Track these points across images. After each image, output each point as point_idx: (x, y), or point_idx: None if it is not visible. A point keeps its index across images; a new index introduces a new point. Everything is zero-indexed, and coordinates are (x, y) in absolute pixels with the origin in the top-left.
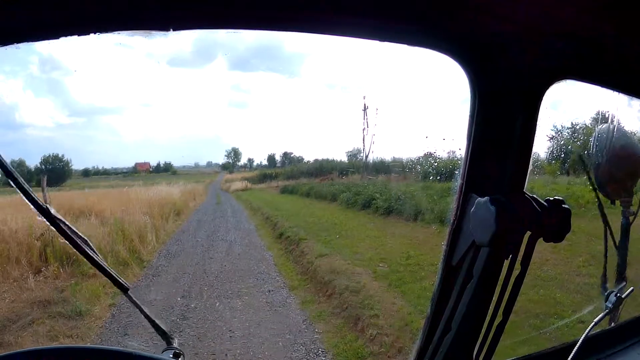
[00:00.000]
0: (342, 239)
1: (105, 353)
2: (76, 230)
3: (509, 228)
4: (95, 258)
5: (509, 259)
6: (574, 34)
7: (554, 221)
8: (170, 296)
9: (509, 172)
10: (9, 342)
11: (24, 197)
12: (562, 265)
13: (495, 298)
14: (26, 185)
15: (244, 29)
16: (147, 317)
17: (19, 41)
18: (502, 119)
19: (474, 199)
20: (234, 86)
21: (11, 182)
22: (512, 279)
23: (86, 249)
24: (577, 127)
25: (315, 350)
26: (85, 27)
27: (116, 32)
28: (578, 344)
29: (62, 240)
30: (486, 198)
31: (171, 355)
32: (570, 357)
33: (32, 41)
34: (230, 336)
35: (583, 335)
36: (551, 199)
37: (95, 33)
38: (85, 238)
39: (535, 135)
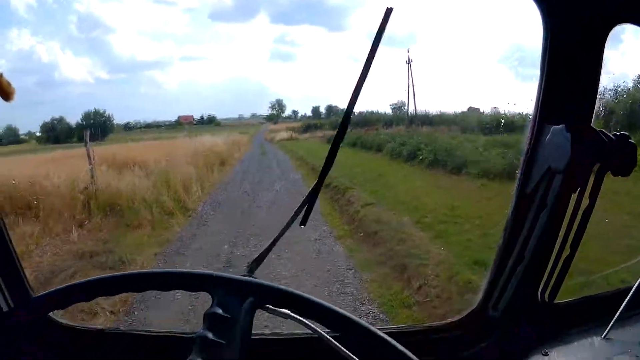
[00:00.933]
0: (388, 189)
1: (182, 276)
2: None
3: (582, 156)
4: None
5: (577, 192)
6: None
7: (621, 155)
8: (215, 244)
9: (578, 104)
10: None
11: None
12: (606, 225)
13: (562, 232)
14: None
15: None
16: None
17: None
18: (571, 53)
19: (547, 128)
20: (278, 39)
21: None
22: (581, 212)
23: None
24: (619, 89)
25: (362, 300)
26: None
27: None
28: (632, 290)
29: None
30: (562, 126)
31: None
32: (624, 302)
33: None
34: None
35: (638, 281)
36: (617, 133)
37: None
38: None
39: (601, 72)
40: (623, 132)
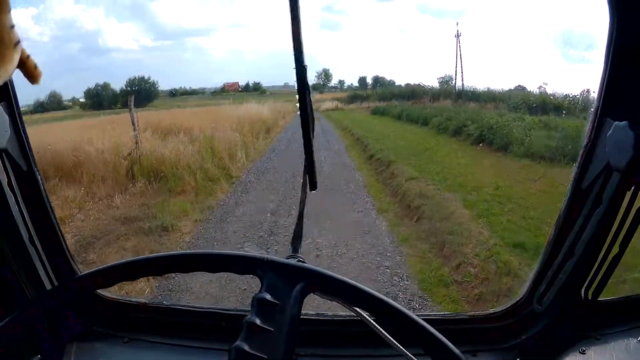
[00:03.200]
0: (432, 164)
1: (232, 258)
2: None
3: None
4: None
5: (632, 190)
6: None
7: None
8: (258, 212)
9: None
10: (92, 260)
11: None
12: None
13: (613, 230)
14: None
15: None
16: (300, 217)
17: None
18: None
19: (609, 123)
20: (326, 7)
21: None
22: (633, 211)
23: None
24: None
25: (400, 275)
26: None
27: None
28: None
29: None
30: (625, 122)
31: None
32: None
33: None
34: (317, 255)
35: None
36: None
37: None
38: None
39: None
40: None
